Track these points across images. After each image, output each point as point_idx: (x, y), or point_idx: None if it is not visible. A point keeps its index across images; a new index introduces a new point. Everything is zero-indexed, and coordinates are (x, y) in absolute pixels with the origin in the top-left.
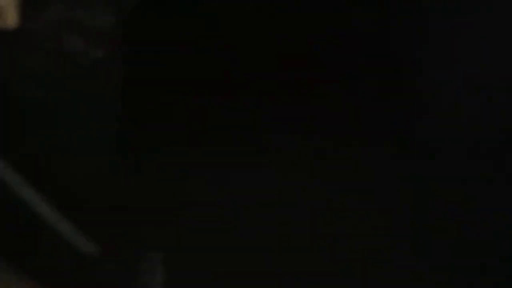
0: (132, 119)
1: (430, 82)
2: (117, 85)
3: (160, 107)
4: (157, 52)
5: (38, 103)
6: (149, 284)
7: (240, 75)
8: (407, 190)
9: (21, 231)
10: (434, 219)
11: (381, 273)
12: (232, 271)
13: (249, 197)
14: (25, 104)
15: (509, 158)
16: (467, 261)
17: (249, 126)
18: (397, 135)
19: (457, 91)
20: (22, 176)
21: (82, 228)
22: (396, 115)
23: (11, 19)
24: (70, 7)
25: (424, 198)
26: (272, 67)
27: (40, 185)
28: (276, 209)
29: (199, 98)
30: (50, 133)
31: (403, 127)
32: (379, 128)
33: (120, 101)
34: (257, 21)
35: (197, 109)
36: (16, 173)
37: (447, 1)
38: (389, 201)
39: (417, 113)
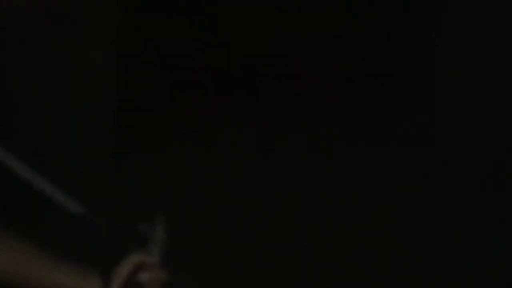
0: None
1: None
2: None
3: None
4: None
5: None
6: (149, 242)
7: (249, 75)
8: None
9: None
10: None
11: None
12: (230, 233)
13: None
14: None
15: None
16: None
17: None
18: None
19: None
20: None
21: (80, 189)
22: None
23: None
24: None
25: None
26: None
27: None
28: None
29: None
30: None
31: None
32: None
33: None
34: (266, 24)
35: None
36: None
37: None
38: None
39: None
